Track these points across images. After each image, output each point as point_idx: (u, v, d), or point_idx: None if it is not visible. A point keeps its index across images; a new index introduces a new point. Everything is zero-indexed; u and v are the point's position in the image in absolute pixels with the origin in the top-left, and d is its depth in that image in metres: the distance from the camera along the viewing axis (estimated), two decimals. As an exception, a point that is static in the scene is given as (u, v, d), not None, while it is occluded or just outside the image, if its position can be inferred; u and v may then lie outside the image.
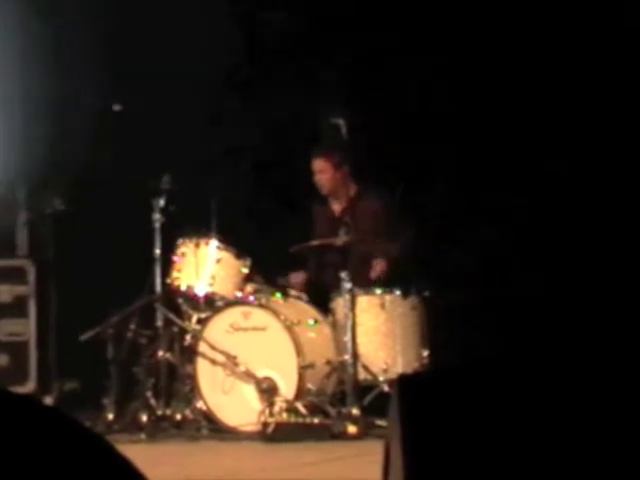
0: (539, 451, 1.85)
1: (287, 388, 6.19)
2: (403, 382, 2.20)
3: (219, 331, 6.42)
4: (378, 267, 6.62)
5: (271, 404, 6.08)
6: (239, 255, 6.66)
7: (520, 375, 2.00)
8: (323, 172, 6.70)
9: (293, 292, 6.63)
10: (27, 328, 7.34)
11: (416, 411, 2.11)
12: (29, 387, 7.22)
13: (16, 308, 7.35)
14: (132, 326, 6.53)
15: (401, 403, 2.17)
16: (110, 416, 6.49)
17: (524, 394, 1.91)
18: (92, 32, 7.33)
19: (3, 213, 7.49)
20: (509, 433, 1.91)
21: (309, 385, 6.21)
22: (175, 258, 6.66)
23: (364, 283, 6.47)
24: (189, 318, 6.60)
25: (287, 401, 6.10)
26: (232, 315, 6.43)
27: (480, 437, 1.92)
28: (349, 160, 6.53)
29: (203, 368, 6.43)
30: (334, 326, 6.42)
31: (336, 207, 6.87)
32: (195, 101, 7.27)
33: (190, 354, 6.49)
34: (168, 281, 6.64)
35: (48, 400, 6.97)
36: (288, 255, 6.65)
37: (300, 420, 5.98)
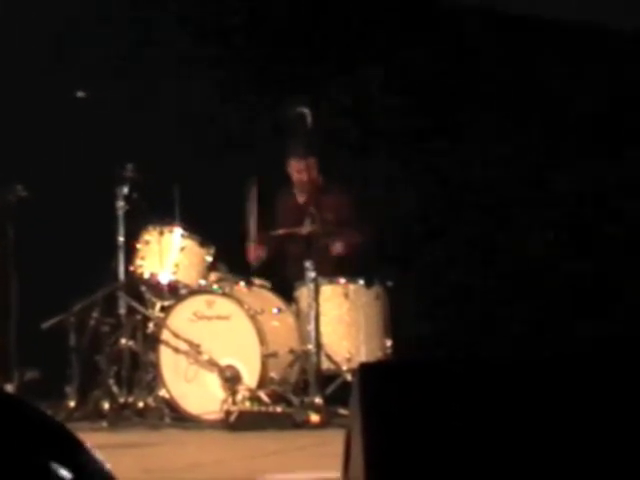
0: (497, 441, 1.87)
1: (250, 377, 6.19)
2: (364, 371, 2.21)
3: (182, 319, 6.41)
4: (337, 247, 6.63)
5: (234, 392, 6.08)
6: (203, 243, 6.65)
7: (480, 369, 2.01)
8: (305, 171, 6.67)
9: (257, 281, 6.63)
10: (-11, 316, 7.27)
11: (377, 400, 2.12)
12: (-10, 375, 7.16)
13: (-22, 296, 7.29)
14: (95, 314, 6.50)
15: (362, 392, 2.18)
16: (72, 404, 6.47)
17: (483, 387, 1.93)
18: (57, 18, 7.29)
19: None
20: (467, 424, 1.92)
21: (272, 374, 6.21)
22: (139, 246, 6.64)
23: (327, 273, 6.48)
24: (152, 306, 6.59)
25: (250, 390, 6.10)
26: (195, 303, 6.42)
27: (439, 427, 1.93)
28: (316, 151, 6.53)
29: (166, 356, 6.42)
30: (298, 315, 6.43)
31: (300, 197, 6.88)
32: (161, 88, 7.25)
33: (153, 342, 6.48)
34: (131, 269, 6.61)
35: (9, 388, 6.92)
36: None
37: (263, 409, 5.98)
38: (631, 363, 1.88)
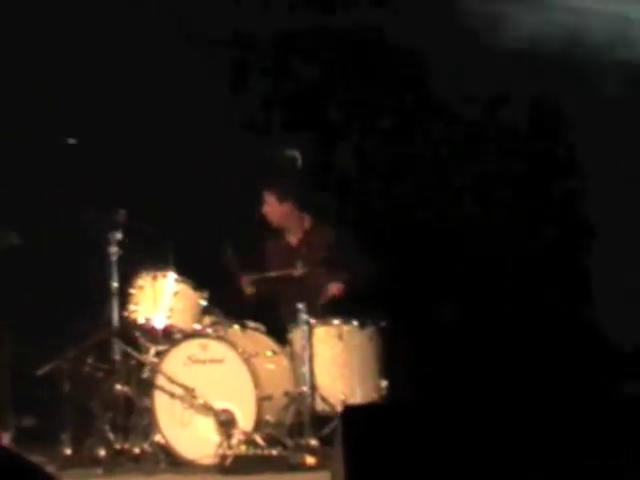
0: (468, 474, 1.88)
1: (245, 420, 6.17)
2: (347, 413, 2.22)
3: (177, 364, 6.40)
4: (334, 288, 6.65)
5: (229, 436, 6.07)
6: (197, 287, 6.66)
7: (459, 412, 2.02)
8: (268, 204, 6.79)
9: (251, 324, 6.63)
10: (-16, 364, 7.26)
11: (358, 441, 2.13)
12: (-14, 423, 7.13)
13: (-28, 344, 7.28)
14: (89, 360, 6.50)
15: (345, 433, 2.19)
16: (67, 451, 6.44)
17: (461, 430, 1.94)
18: (48, 64, 7.35)
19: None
20: (445, 463, 1.93)
21: (267, 417, 6.20)
22: (132, 291, 6.65)
23: (320, 313, 6.48)
24: (147, 351, 6.59)
25: (245, 433, 6.08)
26: (190, 347, 6.42)
27: (421, 466, 1.94)
28: (297, 193, 6.58)
29: (161, 401, 6.40)
30: (292, 357, 6.42)
31: (292, 239, 6.92)
32: (153, 135, 7.30)
33: (148, 387, 6.46)
34: (126, 314, 6.62)
35: (5, 436, 6.90)
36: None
37: (258, 452, 5.97)
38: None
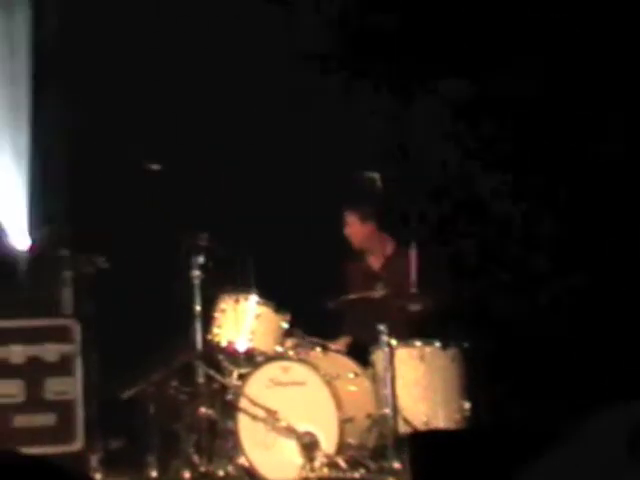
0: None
1: (328, 443, 6.17)
2: (414, 440, 2.22)
3: (259, 386, 6.43)
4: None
5: (312, 459, 6.07)
6: (278, 310, 6.69)
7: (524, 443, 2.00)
8: (350, 225, 6.79)
9: (333, 346, 6.63)
10: (73, 387, 7.38)
11: (426, 467, 2.12)
12: (76, 446, 7.21)
13: (62, 367, 7.40)
14: (173, 383, 6.57)
15: (413, 458, 2.19)
16: (153, 474, 6.52)
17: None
18: (132, 90, 7.47)
19: (48, 272, 7.59)
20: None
21: (350, 439, 6.18)
22: (215, 314, 6.71)
23: (402, 335, 6.45)
24: (230, 374, 6.64)
25: (328, 456, 6.08)
26: (272, 370, 6.45)
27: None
28: (378, 214, 6.57)
29: (244, 424, 6.44)
30: (374, 379, 6.40)
31: (374, 263, 6.89)
32: (234, 158, 7.37)
33: (231, 410, 6.50)
34: (208, 337, 6.68)
35: (94, 459, 6.99)
36: (327, 310, 6.68)
37: (341, 475, 5.96)
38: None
